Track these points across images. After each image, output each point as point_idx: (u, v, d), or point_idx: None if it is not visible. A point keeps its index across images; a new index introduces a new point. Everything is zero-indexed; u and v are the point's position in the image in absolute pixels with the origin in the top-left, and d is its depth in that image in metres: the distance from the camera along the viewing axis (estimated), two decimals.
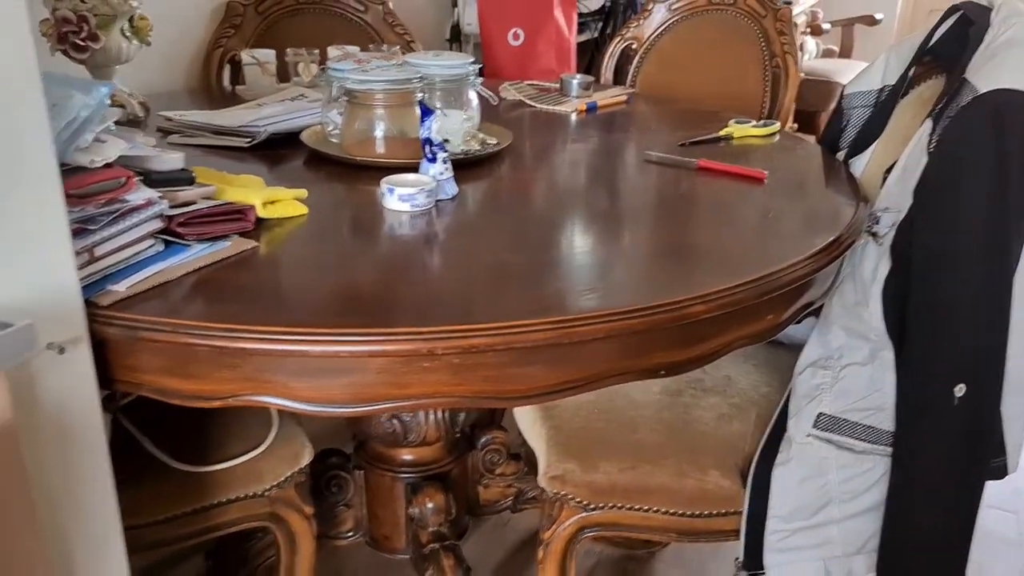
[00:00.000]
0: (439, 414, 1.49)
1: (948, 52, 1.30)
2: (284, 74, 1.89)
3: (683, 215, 1.29)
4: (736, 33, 2.11)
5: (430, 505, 1.51)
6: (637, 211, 1.32)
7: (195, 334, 0.84)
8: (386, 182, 1.17)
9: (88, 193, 0.85)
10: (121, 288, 0.87)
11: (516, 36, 2.58)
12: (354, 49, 1.82)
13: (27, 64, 0.73)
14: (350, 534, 1.63)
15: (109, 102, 0.86)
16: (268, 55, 1.82)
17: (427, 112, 1.20)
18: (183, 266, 0.94)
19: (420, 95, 1.31)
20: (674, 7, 2.17)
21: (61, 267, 0.79)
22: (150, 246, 0.94)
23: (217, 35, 1.99)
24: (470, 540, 1.71)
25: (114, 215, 0.87)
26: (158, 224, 0.95)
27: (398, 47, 1.83)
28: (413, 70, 1.35)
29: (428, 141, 1.20)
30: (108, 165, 0.88)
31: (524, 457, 1.66)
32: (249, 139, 1.42)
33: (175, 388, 0.88)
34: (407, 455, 1.55)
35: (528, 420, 1.38)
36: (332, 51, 1.85)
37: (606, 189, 1.42)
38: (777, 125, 1.66)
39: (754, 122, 1.66)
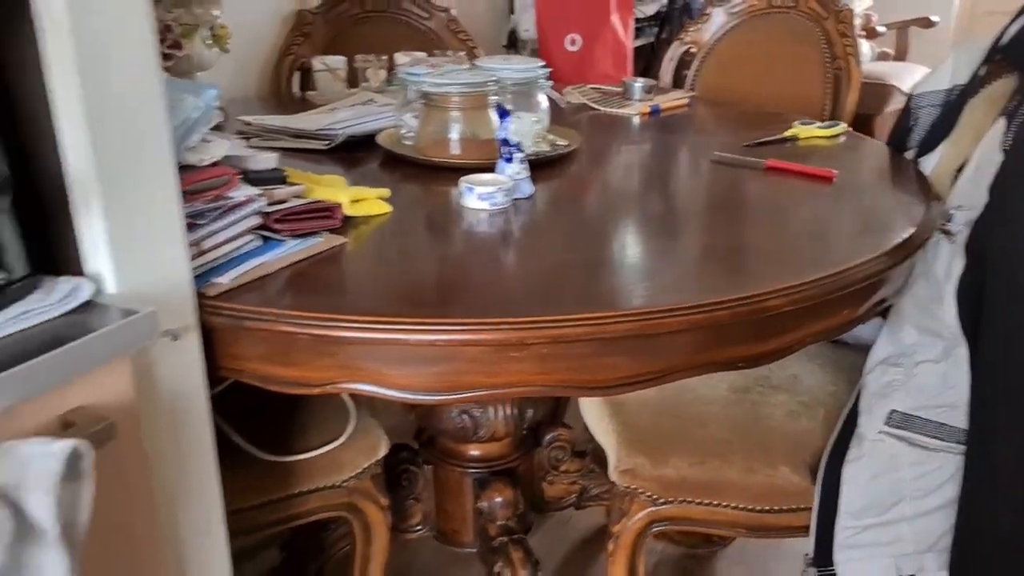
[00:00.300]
0: (508, 410, 1.52)
1: (1020, 51, 1.30)
2: (352, 80, 1.94)
3: (755, 213, 1.31)
4: (797, 35, 2.12)
5: (499, 499, 1.54)
6: (709, 209, 1.34)
7: (296, 323, 0.89)
8: (465, 181, 1.21)
9: (197, 190, 0.90)
10: (226, 280, 0.92)
11: (573, 42, 2.61)
12: (421, 55, 1.87)
13: (151, 69, 0.78)
14: (418, 528, 1.66)
15: (216, 104, 0.91)
16: (339, 62, 1.88)
17: (504, 113, 1.24)
18: (280, 260, 0.98)
19: (495, 98, 1.34)
20: (733, 10, 2.18)
21: (176, 259, 0.84)
22: (250, 241, 0.99)
23: (288, 43, 2.06)
24: (534, 536, 1.73)
25: (220, 211, 0.92)
26: (257, 220, 0.99)
27: (463, 53, 1.88)
28: (486, 74, 1.39)
29: (505, 142, 1.23)
30: (213, 164, 0.93)
31: (590, 454, 1.68)
32: (327, 142, 1.47)
33: (277, 375, 0.93)
34: (475, 451, 1.58)
35: (596, 416, 1.41)
36: (399, 57, 1.90)
37: (677, 188, 1.44)
38: (842, 126, 1.67)
39: (819, 123, 1.67)
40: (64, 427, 0.72)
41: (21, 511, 0.63)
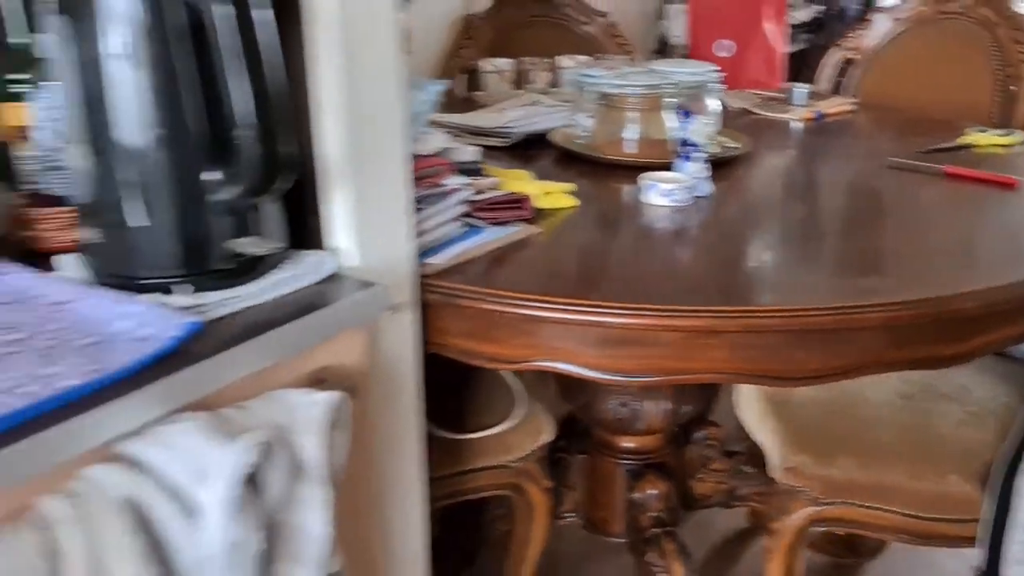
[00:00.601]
0: (665, 405, 1.56)
1: None
2: (517, 81, 2.01)
3: (938, 217, 1.30)
4: (965, 42, 2.07)
5: (653, 492, 1.58)
6: (891, 211, 1.34)
7: (502, 302, 0.95)
8: (647, 178, 1.25)
9: (418, 177, 0.98)
10: (441, 260, 0.99)
11: (725, 48, 2.61)
12: (584, 58, 1.93)
13: (397, 65, 0.87)
14: (569, 515, 1.72)
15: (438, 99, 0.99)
16: (507, 64, 1.96)
17: (687, 114, 1.28)
18: (484, 245, 1.05)
19: (674, 100, 1.39)
20: (899, 17, 2.15)
21: (403, 240, 0.92)
22: (457, 226, 1.06)
23: (457, 45, 2.16)
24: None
25: (435, 197, 1.00)
26: (463, 208, 1.07)
27: (629, 57, 1.92)
28: (662, 76, 1.43)
29: (687, 142, 1.27)
30: (431, 154, 1.01)
31: (745, 453, 1.70)
32: (507, 139, 1.54)
33: (479, 351, 1.00)
34: (629, 443, 1.62)
35: (755, 414, 1.42)
36: (563, 60, 1.96)
37: (854, 191, 1.45)
38: (1022, 134, 1.63)
39: (995, 131, 1.64)
40: (315, 383, 0.80)
41: (292, 451, 0.71)
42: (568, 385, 1.58)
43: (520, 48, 2.10)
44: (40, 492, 0.62)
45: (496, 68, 1.94)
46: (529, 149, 1.56)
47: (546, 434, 1.39)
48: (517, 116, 1.67)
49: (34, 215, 0.94)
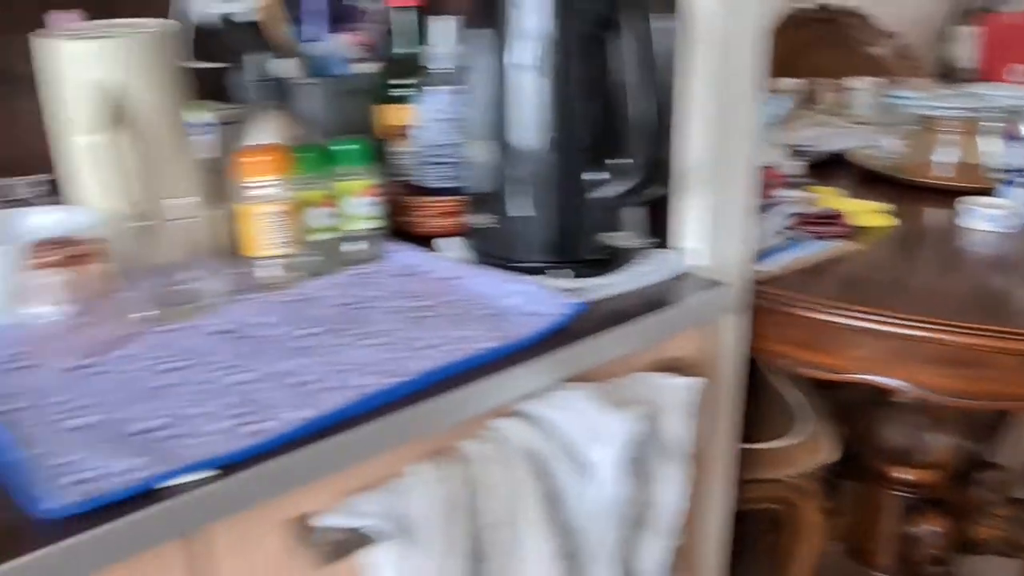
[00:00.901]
0: (951, 439, 1.50)
1: None
2: (804, 101, 2.00)
3: None
4: None
5: (933, 529, 1.52)
6: None
7: (836, 313, 0.97)
8: (967, 203, 1.23)
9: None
10: (774, 267, 1.03)
11: (1020, 73, 2.46)
12: (874, 80, 1.89)
13: (756, 75, 0.92)
14: (832, 541, 1.68)
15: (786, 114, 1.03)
16: (794, 83, 1.95)
17: (1013, 139, 1.24)
18: (808, 257, 1.08)
19: (1002, 124, 1.34)
20: None
21: (744, 245, 0.97)
22: (784, 237, 1.09)
23: None
24: None
25: (769, 207, 1.04)
26: (789, 220, 1.10)
27: (926, 79, 1.87)
28: (984, 100, 1.39)
29: (1014, 168, 1.23)
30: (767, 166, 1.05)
31: None
32: (809, 158, 1.55)
33: (808, 360, 1.02)
34: (907, 475, 1.57)
35: None
36: (852, 81, 1.94)
37: None
38: None
39: None
40: (667, 371, 0.86)
41: (658, 429, 0.78)
42: (849, 408, 1.56)
43: (804, 68, 2.09)
44: (460, 437, 0.72)
45: (784, 88, 1.94)
46: (825, 168, 1.56)
47: (828, 453, 1.38)
48: (811, 135, 1.67)
49: (410, 203, 1.07)
